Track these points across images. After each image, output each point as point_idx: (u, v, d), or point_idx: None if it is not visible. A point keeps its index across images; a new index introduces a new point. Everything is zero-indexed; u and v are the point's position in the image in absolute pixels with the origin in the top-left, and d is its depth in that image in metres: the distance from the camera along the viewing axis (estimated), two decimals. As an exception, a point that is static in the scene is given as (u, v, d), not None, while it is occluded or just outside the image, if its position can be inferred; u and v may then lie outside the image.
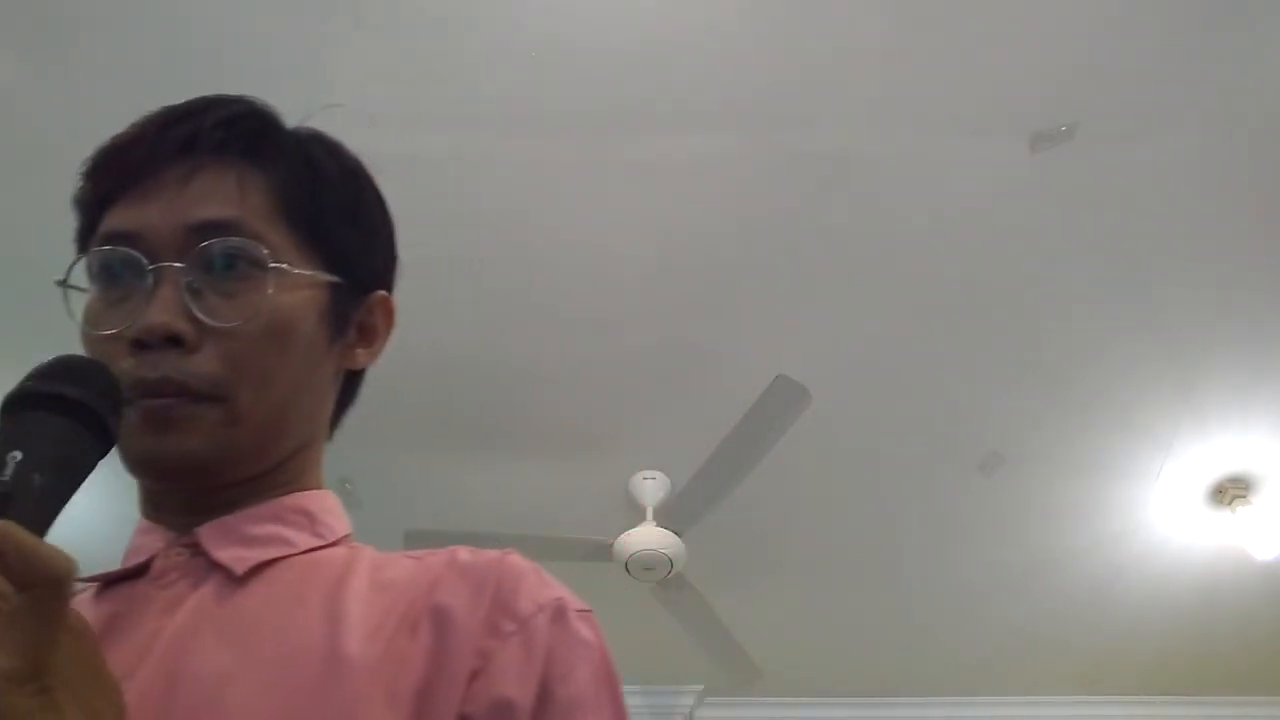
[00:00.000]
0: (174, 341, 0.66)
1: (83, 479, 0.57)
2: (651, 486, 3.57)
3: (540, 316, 3.13)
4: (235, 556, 0.67)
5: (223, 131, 0.72)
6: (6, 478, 0.51)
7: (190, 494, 0.70)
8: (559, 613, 0.66)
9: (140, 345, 0.66)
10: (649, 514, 3.45)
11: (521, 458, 3.57)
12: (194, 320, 0.67)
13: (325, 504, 0.77)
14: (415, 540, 3.24)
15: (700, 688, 4.53)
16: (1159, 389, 3.32)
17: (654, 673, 4.39)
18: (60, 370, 0.59)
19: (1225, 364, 3.25)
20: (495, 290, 3.05)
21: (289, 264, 0.71)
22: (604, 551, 3.35)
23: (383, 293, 0.81)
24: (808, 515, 3.76)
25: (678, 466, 3.43)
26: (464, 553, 0.69)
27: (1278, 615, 4.03)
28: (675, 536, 3.29)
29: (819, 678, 4.46)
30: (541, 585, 0.68)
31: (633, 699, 5.07)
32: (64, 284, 0.72)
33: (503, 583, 0.66)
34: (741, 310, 3.13)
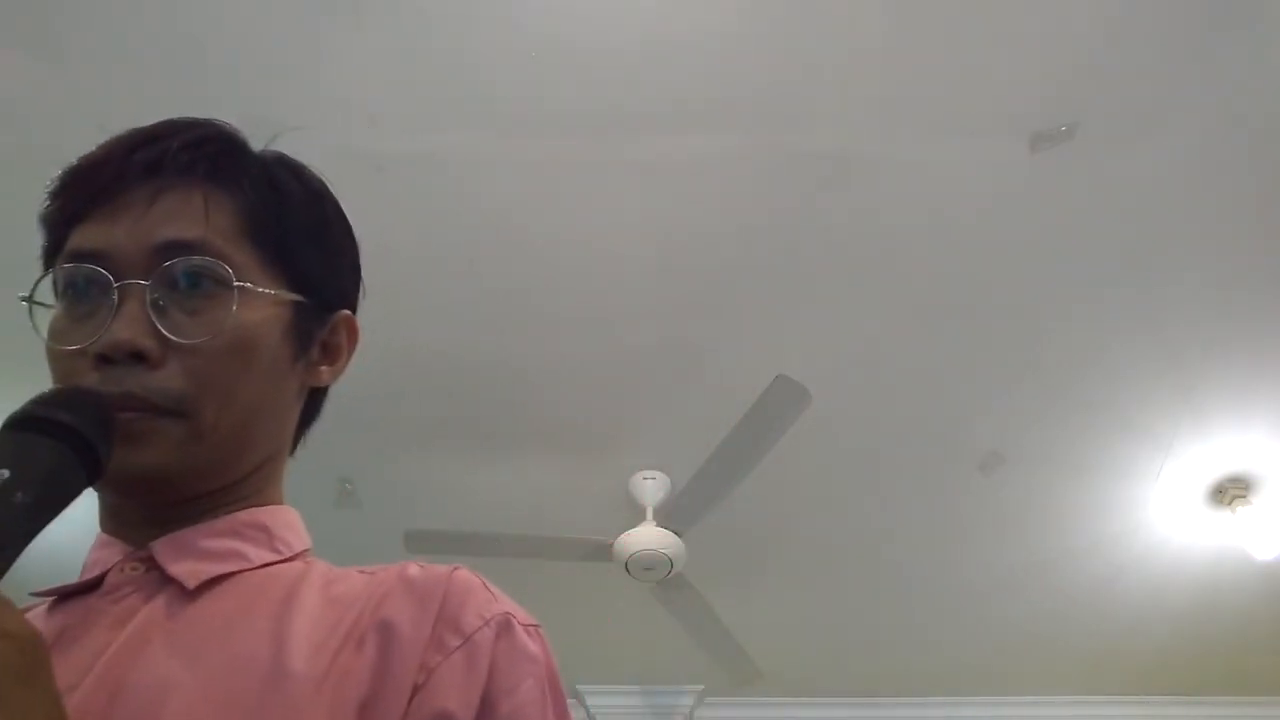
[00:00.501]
0: (138, 357, 0.67)
1: (68, 501, 0.58)
2: (651, 486, 3.57)
3: (540, 316, 3.13)
4: (188, 570, 0.68)
5: (189, 154, 0.73)
6: None
7: (150, 508, 0.71)
8: (505, 627, 0.67)
9: (105, 360, 0.67)
10: (649, 514, 3.45)
11: (521, 458, 3.57)
12: (158, 336, 0.68)
13: (284, 519, 0.77)
14: (415, 540, 3.24)
15: (700, 688, 4.53)
16: (1159, 389, 3.32)
17: (654, 673, 4.40)
18: (58, 398, 0.61)
19: (1225, 364, 3.25)
20: (495, 290, 3.05)
21: (253, 283, 0.72)
22: (604, 551, 3.35)
23: (346, 312, 0.82)
24: (808, 515, 3.76)
25: (678, 466, 3.43)
26: (414, 568, 0.70)
27: (1278, 615, 4.04)
28: (675, 536, 3.29)
29: (819, 678, 4.47)
30: (489, 600, 0.68)
31: (633, 699, 5.07)
32: (29, 300, 0.73)
33: (449, 597, 0.67)
34: (741, 310, 3.13)
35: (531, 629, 0.69)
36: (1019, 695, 4.53)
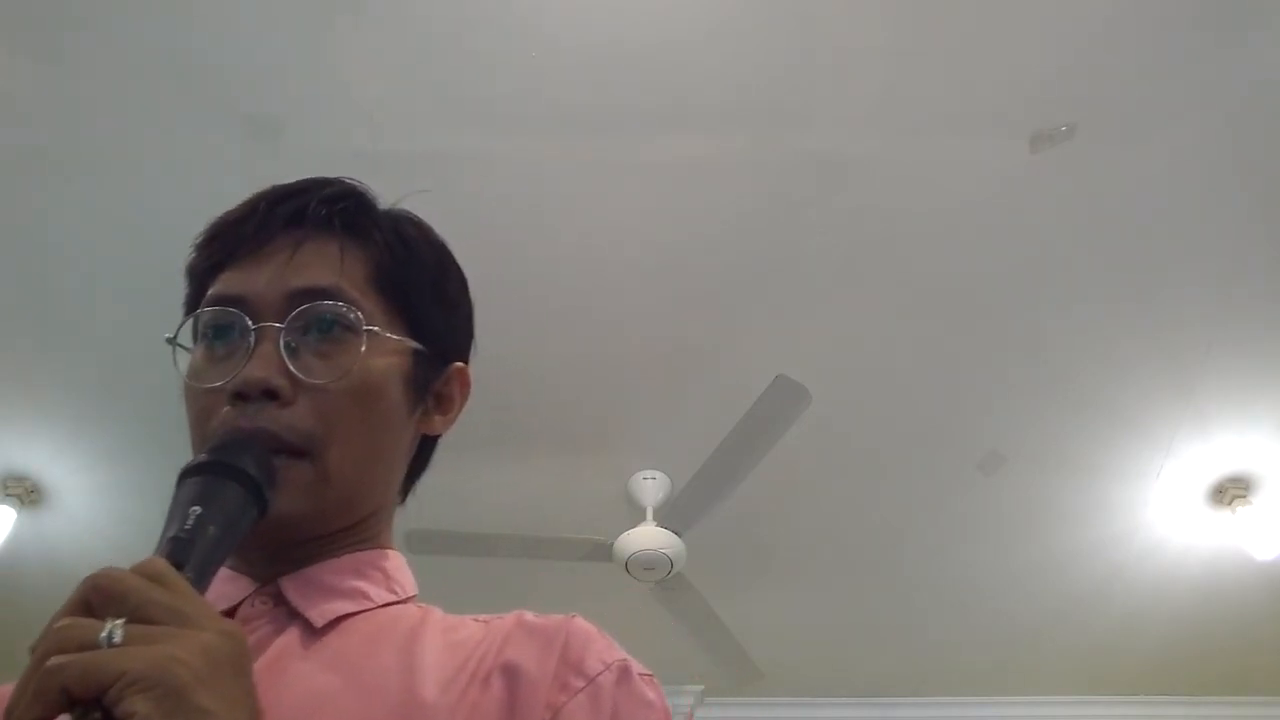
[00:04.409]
0: (271, 395, 0.71)
1: (242, 536, 0.66)
2: (651, 486, 3.57)
3: (540, 317, 3.13)
4: (317, 608, 0.72)
5: (327, 208, 0.79)
6: (188, 526, 0.61)
7: (275, 546, 0.73)
8: (624, 673, 0.70)
9: (240, 397, 0.71)
10: (649, 514, 3.45)
11: (521, 458, 3.57)
12: (290, 376, 0.72)
13: (396, 563, 0.81)
14: (416, 540, 3.23)
15: (700, 688, 4.53)
16: (1159, 389, 3.32)
17: (654, 672, 4.39)
18: (228, 445, 0.68)
19: (1225, 364, 3.25)
20: (495, 290, 3.04)
21: (379, 328, 0.77)
22: (604, 551, 3.35)
23: (460, 364, 0.87)
24: (808, 515, 3.76)
25: (678, 466, 3.43)
26: (529, 615, 0.74)
27: (1278, 615, 4.03)
28: (675, 536, 3.29)
29: (819, 678, 4.46)
30: (608, 646, 0.72)
31: (633, 699, 5.05)
32: (173, 342, 0.79)
33: (571, 641, 0.70)
34: (741, 310, 3.13)
35: (647, 678, 0.72)
36: (1019, 695, 4.52)
